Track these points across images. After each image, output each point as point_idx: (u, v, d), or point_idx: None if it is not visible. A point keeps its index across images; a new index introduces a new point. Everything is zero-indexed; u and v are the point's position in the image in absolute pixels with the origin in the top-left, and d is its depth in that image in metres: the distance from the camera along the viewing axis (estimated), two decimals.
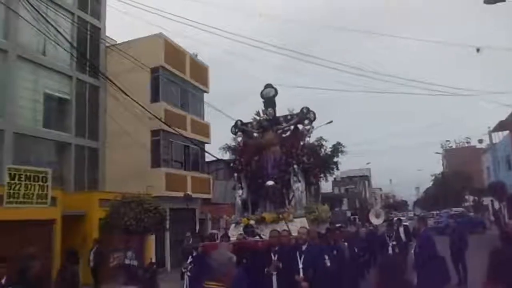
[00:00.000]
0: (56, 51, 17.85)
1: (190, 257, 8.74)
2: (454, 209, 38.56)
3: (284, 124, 10.47)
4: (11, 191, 13.17)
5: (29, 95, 17.63)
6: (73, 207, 15.76)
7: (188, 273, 8.43)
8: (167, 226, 16.51)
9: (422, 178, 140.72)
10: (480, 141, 49.45)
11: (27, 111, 17.51)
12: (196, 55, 24.98)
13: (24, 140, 16.90)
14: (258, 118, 10.54)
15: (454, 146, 77.24)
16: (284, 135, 10.53)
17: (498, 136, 35.01)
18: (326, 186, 52.18)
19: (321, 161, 28.75)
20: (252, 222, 9.05)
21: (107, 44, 21.75)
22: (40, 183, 14.06)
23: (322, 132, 40.58)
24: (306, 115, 10.28)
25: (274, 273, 6.62)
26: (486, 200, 46.33)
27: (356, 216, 50.66)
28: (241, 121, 11.09)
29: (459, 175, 54.32)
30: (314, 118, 10.32)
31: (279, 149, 10.06)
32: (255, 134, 10.73)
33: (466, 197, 53.63)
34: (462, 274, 11.26)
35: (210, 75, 25.84)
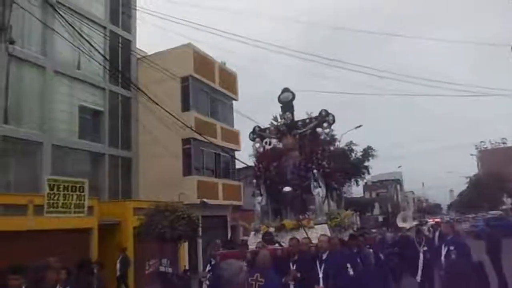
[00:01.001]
0: (89, 65, 18.43)
1: (208, 265, 8.60)
2: (491, 212, 37.35)
3: (303, 129, 10.11)
4: (51, 201, 13.66)
5: (65, 108, 18.27)
6: (109, 216, 16.18)
7: (207, 282, 8.23)
8: (200, 233, 16.68)
9: (456, 180, 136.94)
10: None
11: (63, 123, 18.13)
12: (225, 63, 25.26)
13: (60, 151, 17.50)
14: (275, 123, 10.31)
15: (489, 147, 75.01)
16: (302, 140, 10.16)
17: None
18: (357, 190, 51.60)
19: (351, 165, 28.44)
20: (271, 229, 8.82)
21: (138, 56, 22.28)
22: (78, 193, 14.52)
23: (353, 137, 40.22)
24: (325, 118, 9.92)
25: (292, 283, 6.33)
26: None
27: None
28: (259, 126, 10.93)
29: (495, 176, 52.66)
30: (333, 121, 9.93)
31: (298, 154, 9.80)
32: (273, 140, 10.46)
33: (504, 199, 51.88)
34: (500, 279, 10.90)
35: (239, 82, 26.09)
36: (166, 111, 16.22)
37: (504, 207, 51.52)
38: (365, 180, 37.81)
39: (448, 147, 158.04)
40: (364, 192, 63.80)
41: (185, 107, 21.47)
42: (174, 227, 13.69)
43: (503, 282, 10.73)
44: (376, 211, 61.07)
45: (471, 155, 73.79)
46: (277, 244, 8.12)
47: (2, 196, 13.24)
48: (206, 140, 20.07)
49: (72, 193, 14.37)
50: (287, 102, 10.41)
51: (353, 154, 29.29)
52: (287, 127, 10.05)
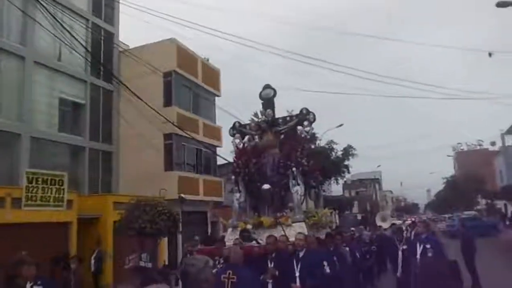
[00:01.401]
0: (71, 57, 18.19)
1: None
2: (466, 212, 38.29)
3: (283, 126, 10.08)
4: (29, 194, 13.46)
5: (45, 100, 17.99)
6: (88, 210, 16.03)
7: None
8: (180, 228, 16.67)
9: (433, 181, 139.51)
10: (493, 143, 49.12)
11: (43, 115, 17.86)
12: (208, 59, 25.21)
13: (39, 144, 17.24)
14: (256, 119, 10.20)
15: (466, 149, 76.71)
16: (282, 137, 10.15)
17: (511, 139, 34.74)
18: (336, 189, 52.15)
19: (331, 164, 28.71)
20: (249, 226, 8.77)
21: (121, 49, 22.07)
22: (57, 186, 14.35)
23: (334, 136, 40.59)
24: (305, 116, 9.88)
25: (270, 281, 6.24)
26: (499, 203, 45.85)
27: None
28: (239, 122, 10.83)
29: (471, 178, 53.92)
30: (314, 120, 9.90)
31: (278, 151, 9.78)
32: (253, 136, 10.41)
33: (479, 200, 53.23)
34: (475, 278, 11.26)
35: (222, 79, 26.09)
36: (148, 105, 16.15)
37: (478, 207, 52.87)
38: (344, 179, 38.20)
39: (427, 148, 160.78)
40: (343, 191, 64.49)
41: (168, 102, 21.35)
42: (154, 222, 13.64)
43: (476, 280, 11.10)
44: (355, 209, 61.85)
45: (448, 156, 75.40)
46: (254, 242, 8.11)
47: None
48: (188, 136, 20.02)
49: (51, 186, 14.19)
50: (268, 99, 10.31)
51: (333, 153, 29.57)
52: (268, 124, 9.96)
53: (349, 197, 64.38)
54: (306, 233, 7.62)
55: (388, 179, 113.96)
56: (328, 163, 28.07)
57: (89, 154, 19.71)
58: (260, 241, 7.90)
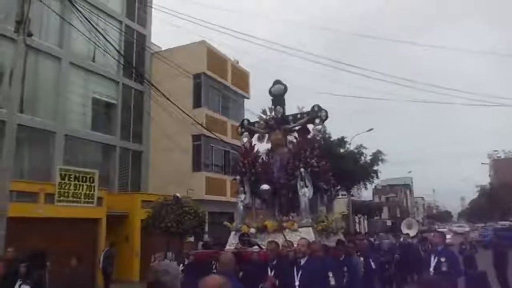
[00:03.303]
0: (104, 58, 18.72)
1: (181, 265, 8.46)
2: (501, 222, 36.93)
3: (293, 124, 9.45)
4: (62, 190, 13.98)
5: (79, 100, 18.60)
6: (117, 208, 16.45)
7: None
8: (206, 229, 16.85)
9: (467, 188, 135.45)
10: None
11: (76, 114, 18.47)
12: (237, 62, 25.40)
13: (73, 142, 17.83)
14: (264, 116, 9.65)
15: (502, 157, 74.04)
16: (292, 135, 9.57)
17: None
18: (366, 194, 51.37)
19: (360, 168, 28.36)
20: (252, 230, 8.31)
21: (152, 51, 22.54)
22: (88, 183, 14.83)
23: (364, 141, 40.03)
24: (317, 113, 9.18)
25: None
26: None
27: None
28: (248, 120, 10.37)
29: (507, 187, 52.02)
30: (326, 117, 9.19)
31: (287, 151, 9.25)
32: (262, 135, 9.87)
33: None
34: None
35: (251, 82, 26.23)
36: (178, 107, 16.36)
37: None
38: (374, 184, 37.62)
39: (461, 155, 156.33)
40: (373, 196, 63.49)
41: (197, 103, 21.67)
42: (180, 221, 13.89)
43: None
44: (385, 215, 60.78)
45: (482, 163, 72.92)
46: (256, 246, 7.69)
47: (15, 183, 13.53)
48: (216, 137, 20.23)
49: (83, 183, 14.68)
50: (278, 95, 9.74)
51: (362, 158, 29.18)
52: (276, 121, 9.41)
53: (379, 203, 63.36)
54: (313, 239, 7.16)
55: (419, 186, 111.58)
56: (357, 168, 27.75)
57: (119, 153, 20.22)
58: (262, 246, 7.45)
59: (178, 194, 14.35)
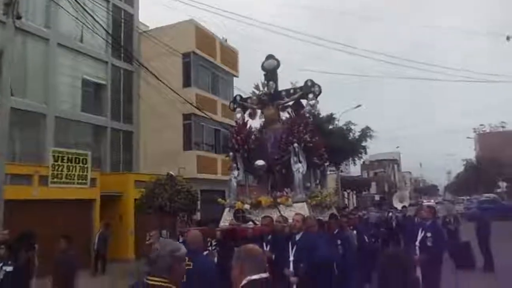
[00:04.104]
0: (92, 38, 18.57)
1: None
2: (486, 195, 37.90)
3: (286, 99, 9.39)
4: (55, 172, 14.11)
5: (68, 81, 18.51)
6: (110, 188, 16.65)
7: None
8: (198, 206, 17.15)
9: (454, 163, 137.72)
10: None
11: (66, 96, 18.42)
12: (226, 40, 25.33)
13: (63, 123, 17.84)
14: (257, 92, 9.56)
15: (488, 131, 75.16)
16: (285, 111, 9.54)
17: None
18: (354, 169, 52.14)
19: (348, 144, 28.75)
20: (246, 206, 8.33)
21: (140, 31, 22.36)
22: (81, 164, 14.97)
23: (353, 118, 40.44)
24: (310, 88, 9.11)
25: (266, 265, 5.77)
26: None
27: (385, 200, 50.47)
28: (240, 96, 10.32)
29: (492, 160, 53.07)
30: (320, 92, 9.12)
31: (280, 126, 9.20)
32: (254, 110, 9.81)
33: (499, 183, 52.48)
34: (487, 260, 11.42)
35: (240, 60, 26.22)
36: (168, 86, 16.44)
37: (499, 190, 52.12)
38: (362, 160, 38.14)
39: (447, 130, 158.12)
40: (361, 171, 64.36)
41: (187, 82, 21.71)
42: (173, 200, 14.15)
43: (489, 262, 11.27)
44: (373, 190, 61.79)
45: (468, 138, 73.94)
46: (250, 222, 7.70)
47: (9, 166, 13.63)
48: (206, 116, 20.38)
49: (76, 164, 14.81)
50: (271, 70, 9.62)
51: (351, 134, 29.55)
52: (269, 96, 9.36)
53: (367, 178, 64.30)
54: (307, 214, 7.19)
55: (407, 160, 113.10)
56: (345, 144, 28.12)
57: (110, 134, 20.28)
58: (257, 222, 7.50)
59: (171, 172, 14.54)
